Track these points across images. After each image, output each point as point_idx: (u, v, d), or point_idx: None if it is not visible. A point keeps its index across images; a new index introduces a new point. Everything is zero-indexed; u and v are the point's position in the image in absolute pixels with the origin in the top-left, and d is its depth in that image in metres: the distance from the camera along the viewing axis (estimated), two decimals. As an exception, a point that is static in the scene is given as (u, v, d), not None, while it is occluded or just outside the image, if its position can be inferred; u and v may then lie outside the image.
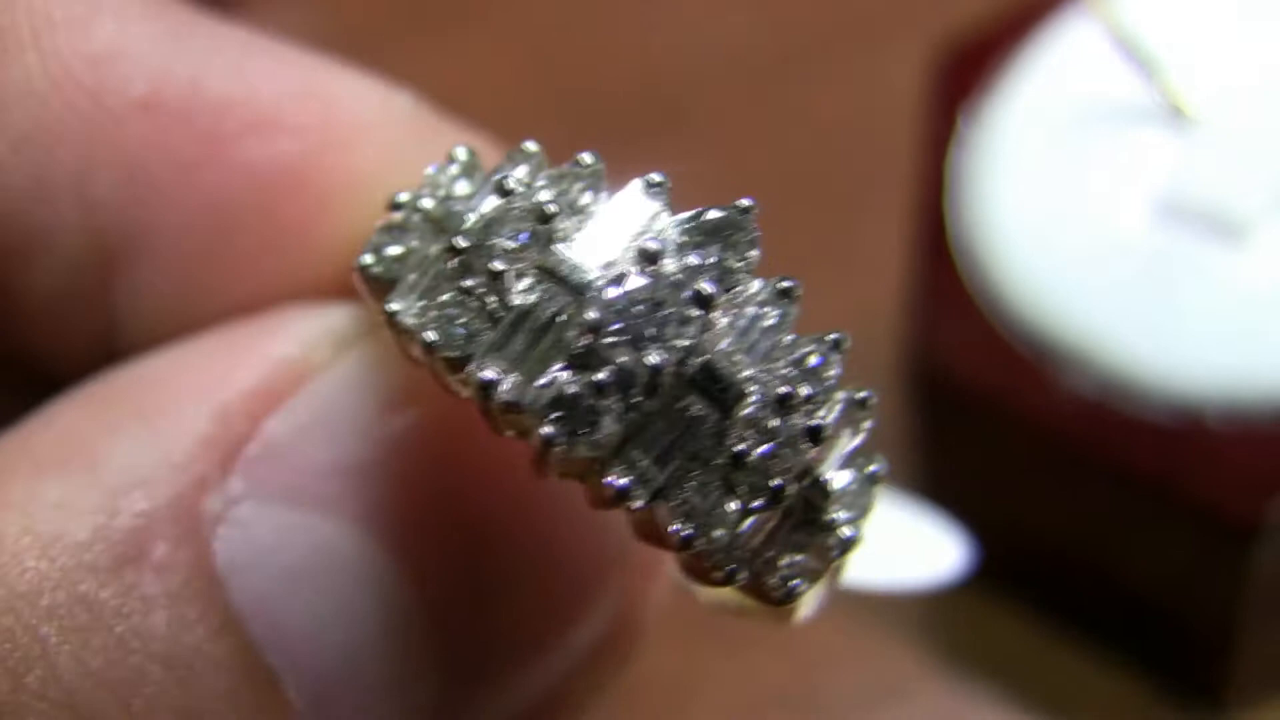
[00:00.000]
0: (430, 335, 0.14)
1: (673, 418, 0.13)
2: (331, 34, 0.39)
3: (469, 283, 0.14)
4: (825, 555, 0.14)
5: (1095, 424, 0.24)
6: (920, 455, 0.28)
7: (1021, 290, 0.25)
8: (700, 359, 0.13)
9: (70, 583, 0.14)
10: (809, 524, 0.14)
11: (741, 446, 0.13)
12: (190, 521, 0.15)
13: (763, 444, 0.13)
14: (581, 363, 0.13)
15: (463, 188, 0.15)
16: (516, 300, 0.14)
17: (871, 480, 0.15)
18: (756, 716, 0.27)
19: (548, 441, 0.13)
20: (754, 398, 0.13)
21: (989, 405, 0.25)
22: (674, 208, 0.14)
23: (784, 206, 0.32)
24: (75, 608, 0.14)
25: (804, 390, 0.14)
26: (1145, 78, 0.26)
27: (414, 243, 0.15)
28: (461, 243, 0.14)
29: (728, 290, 0.14)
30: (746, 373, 0.13)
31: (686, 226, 0.14)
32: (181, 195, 0.16)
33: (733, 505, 0.13)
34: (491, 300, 0.14)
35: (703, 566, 0.14)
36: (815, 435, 0.14)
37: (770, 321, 0.14)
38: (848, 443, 0.15)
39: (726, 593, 0.14)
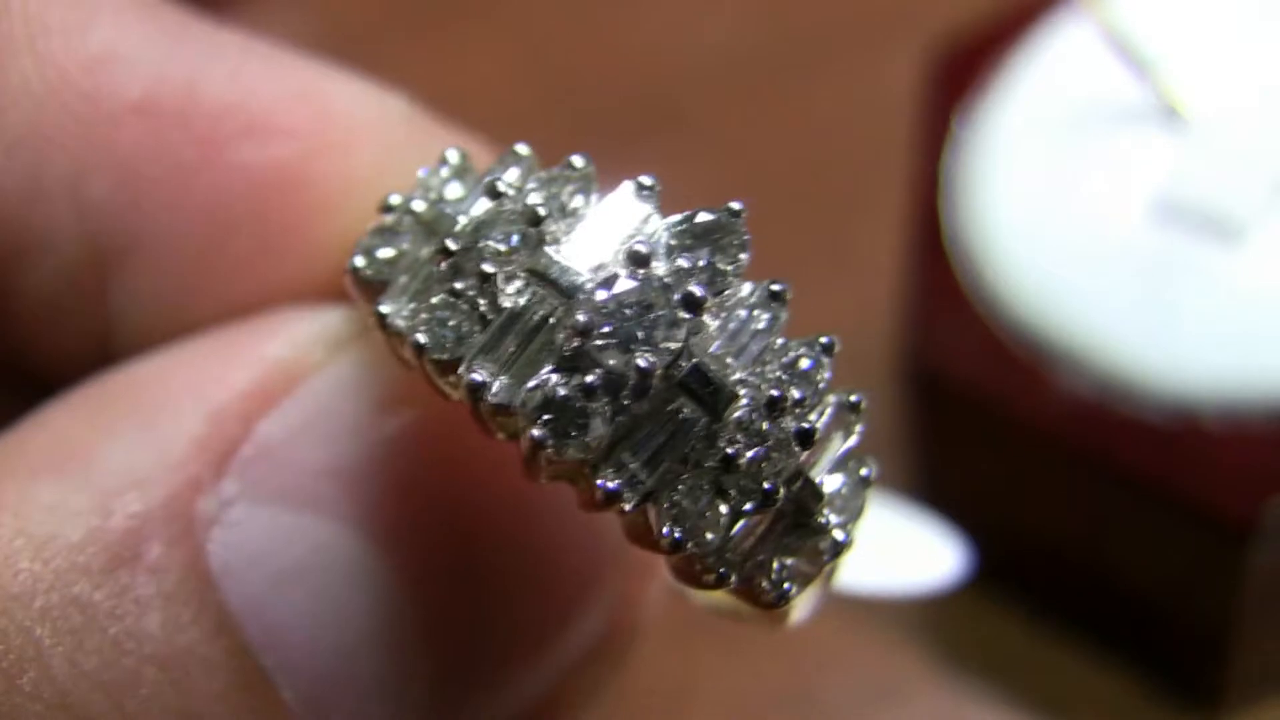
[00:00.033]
0: (420, 337, 0.14)
1: (663, 420, 0.13)
2: (328, 34, 0.39)
3: (459, 285, 0.14)
4: (817, 559, 0.14)
5: (1091, 424, 0.24)
6: (916, 456, 0.28)
7: (1017, 290, 0.25)
8: (690, 362, 0.13)
9: (64, 584, 0.14)
10: (801, 527, 0.14)
11: (732, 449, 0.13)
12: (184, 523, 0.15)
13: (753, 447, 0.13)
14: (571, 365, 0.13)
15: (454, 190, 0.15)
16: (507, 303, 0.14)
17: (864, 483, 0.15)
18: (754, 717, 0.28)
19: (537, 443, 0.13)
20: (744, 401, 0.13)
21: (985, 406, 0.25)
22: (664, 210, 0.14)
23: (780, 207, 0.32)
24: (69, 609, 0.14)
25: (795, 393, 0.14)
26: (1141, 78, 0.26)
27: (405, 245, 0.15)
28: (452, 245, 0.14)
29: (718, 293, 0.14)
30: (737, 376, 0.14)
31: (677, 229, 0.14)
32: (176, 198, 0.16)
33: (723, 508, 0.13)
34: (482, 303, 0.14)
35: (694, 570, 0.14)
36: (806, 438, 0.14)
37: (761, 325, 0.14)
38: (839, 446, 0.15)
39: (719, 596, 0.14)
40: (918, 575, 0.23)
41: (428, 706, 0.16)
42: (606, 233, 0.14)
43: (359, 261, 0.15)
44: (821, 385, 0.14)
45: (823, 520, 0.14)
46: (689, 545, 0.13)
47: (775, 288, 0.14)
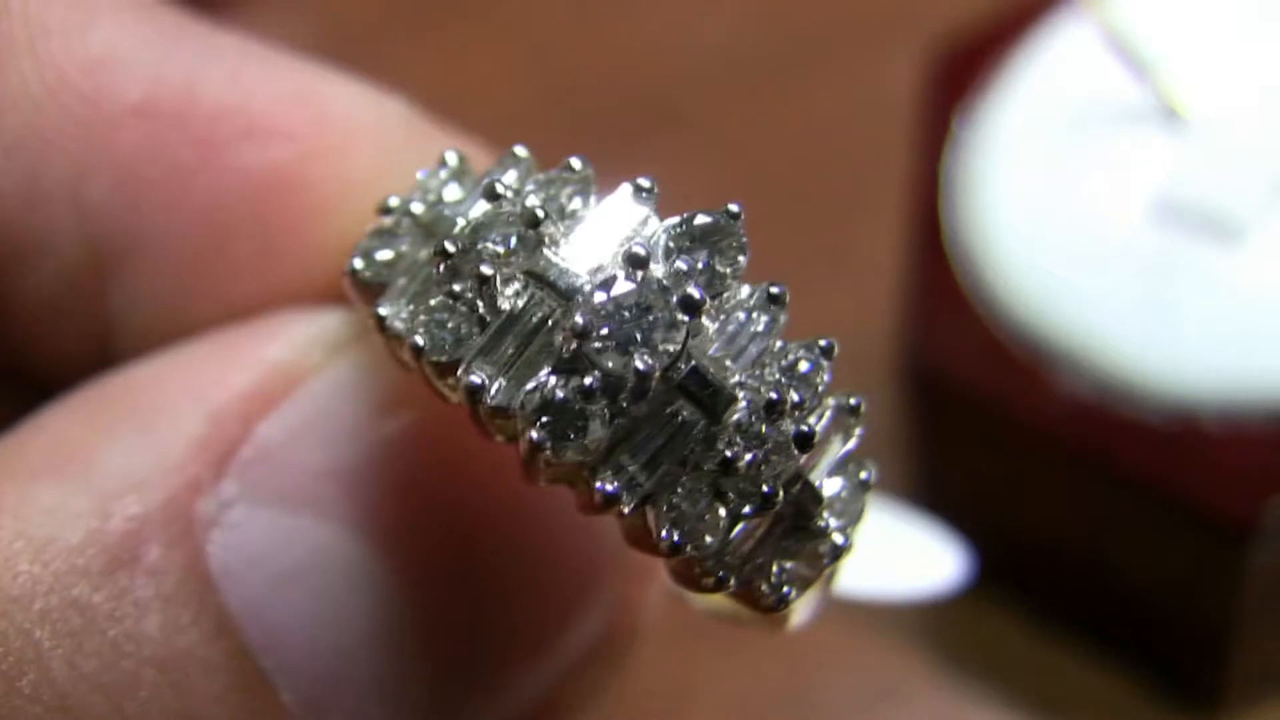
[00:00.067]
0: (419, 340, 0.14)
1: (661, 423, 0.13)
2: (328, 34, 0.39)
3: (458, 287, 0.14)
4: (817, 562, 0.14)
5: (1091, 425, 0.24)
6: (916, 456, 0.28)
7: (1017, 291, 0.25)
8: (688, 364, 0.13)
9: (63, 586, 0.14)
10: (800, 530, 0.14)
11: (731, 452, 0.13)
12: (183, 525, 0.15)
13: (752, 450, 0.13)
14: (569, 367, 0.13)
15: (453, 192, 0.15)
16: (505, 305, 0.14)
17: (863, 486, 0.15)
18: (754, 718, 0.28)
19: (536, 446, 0.13)
20: (743, 403, 0.13)
21: (984, 407, 0.25)
22: (663, 212, 0.14)
23: (780, 207, 0.32)
24: (68, 611, 0.14)
25: (794, 396, 0.14)
26: (1140, 78, 0.26)
27: (404, 247, 0.15)
28: (450, 247, 0.14)
29: (715, 295, 0.14)
30: (735, 378, 0.13)
31: (675, 232, 0.14)
32: (176, 200, 0.16)
33: (722, 511, 0.13)
34: (480, 305, 0.14)
35: (692, 573, 0.14)
36: (805, 441, 0.13)
37: (759, 327, 0.14)
38: (839, 449, 0.15)
39: (718, 600, 0.14)
40: (917, 580, 0.23)
41: (427, 708, 0.16)
42: (605, 235, 0.14)
43: (358, 263, 0.15)
44: (820, 388, 0.14)
45: (822, 524, 0.14)
46: (688, 548, 0.13)
47: (774, 290, 0.14)
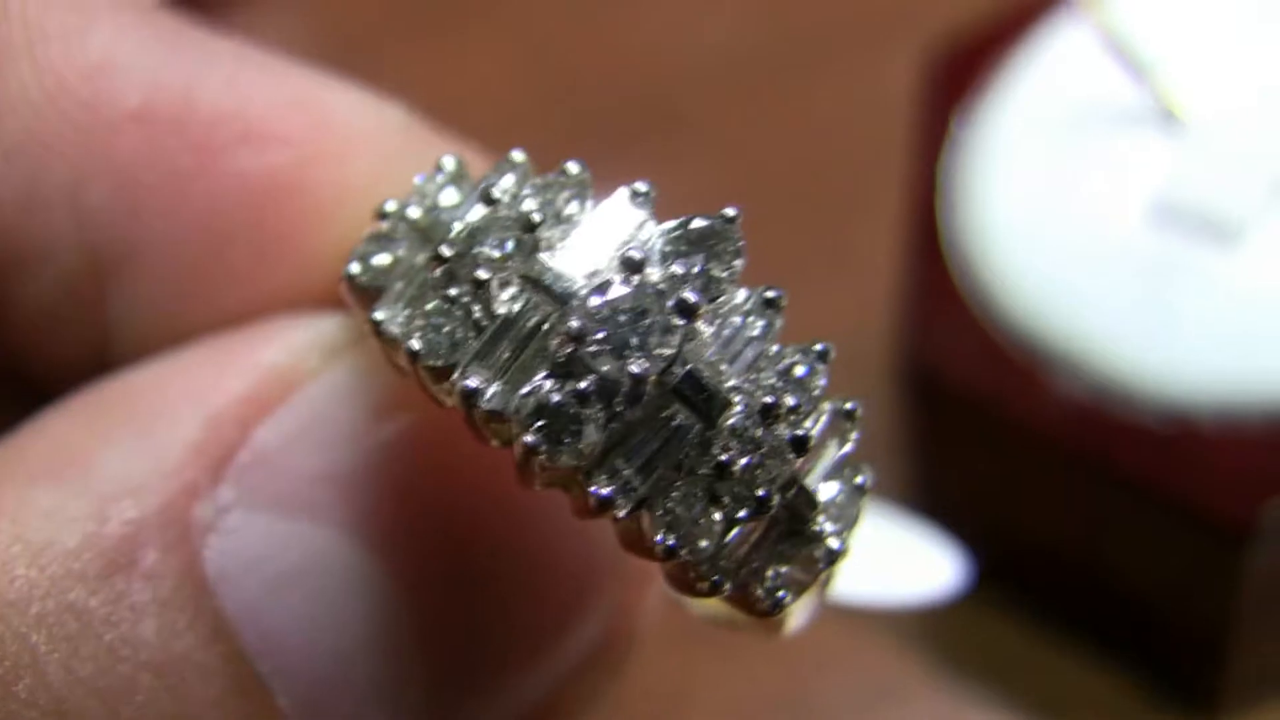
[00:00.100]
0: (414, 344, 0.14)
1: (656, 427, 0.13)
2: (328, 36, 0.39)
3: (454, 291, 0.14)
4: (812, 566, 0.14)
5: (1088, 427, 0.24)
6: (913, 457, 0.28)
7: (1015, 292, 0.25)
8: (684, 368, 0.13)
9: (60, 591, 0.14)
10: (795, 535, 0.14)
11: (726, 456, 0.13)
12: (180, 529, 0.15)
13: (747, 454, 0.13)
14: (564, 371, 0.13)
15: (449, 197, 0.15)
16: (501, 309, 0.14)
17: (859, 491, 0.15)
18: (752, 720, 0.28)
19: (530, 450, 0.13)
20: (738, 407, 0.13)
21: (982, 408, 0.25)
22: (660, 215, 0.14)
23: (779, 207, 0.32)
24: (64, 616, 0.14)
25: (789, 400, 0.14)
26: (1139, 80, 0.26)
27: (401, 252, 0.15)
28: (446, 251, 0.14)
29: (712, 300, 0.14)
30: (731, 382, 0.14)
31: (671, 236, 0.14)
32: (174, 206, 0.16)
33: (717, 515, 0.13)
34: (476, 309, 0.14)
35: (688, 577, 0.14)
36: (800, 445, 0.14)
37: (755, 331, 0.14)
38: (834, 453, 0.15)
39: (714, 604, 0.14)
40: (914, 586, 0.23)
41: (424, 712, 0.16)
42: (601, 239, 0.14)
43: (354, 268, 0.15)
44: (816, 392, 0.14)
45: (817, 528, 0.14)
46: (683, 552, 0.13)
47: (770, 294, 0.14)
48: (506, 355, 0.14)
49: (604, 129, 0.36)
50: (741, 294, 0.14)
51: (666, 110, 0.36)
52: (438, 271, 0.14)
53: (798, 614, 0.15)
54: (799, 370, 0.14)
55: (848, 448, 0.15)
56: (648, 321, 0.13)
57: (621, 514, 0.13)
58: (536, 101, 0.37)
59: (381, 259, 0.15)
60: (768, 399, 0.13)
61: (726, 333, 0.14)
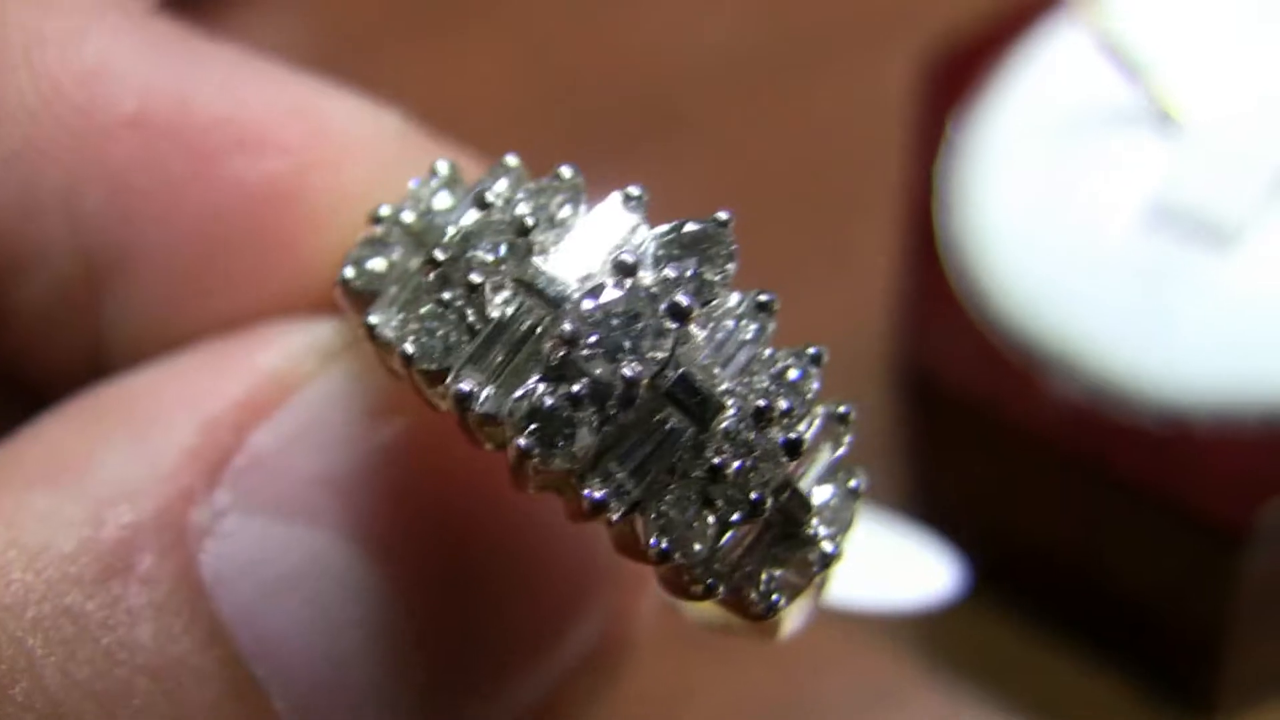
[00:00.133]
0: (408, 348, 0.14)
1: (649, 430, 0.13)
2: (327, 37, 0.39)
3: (447, 295, 0.14)
4: (806, 570, 0.14)
5: (1084, 429, 0.24)
6: (909, 459, 0.28)
7: (1010, 295, 0.25)
8: (677, 371, 0.13)
9: (56, 594, 0.14)
10: (789, 538, 0.14)
11: (719, 459, 0.13)
12: (176, 533, 0.15)
13: (740, 457, 0.13)
14: (558, 375, 0.13)
15: (444, 201, 0.15)
16: (494, 313, 0.14)
17: (853, 494, 0.15)
18: (750, 722, 0.28)
19: (524, 453, 0.13)
20: (731, 411, 0.13)
21: (978, 410, 0.25)
22: (655, 218, 0.14)
23: (778, 207, 0.32)
24: (61, 619, 0.14)
25: (782, 404, 0.14)
26: (1135, 82, 0.26)
27: (395, 256, 0.15)
28: (440, 255, 0.14)
29: (704, 303, 0.14)
30: (724, 386, 0.14)
31: (664, 239, 0.14)
32: (169, 212, 0.16)
33: (711, 519, 0.13)
34: (470, 313, 0.14)
35: (681, 580, 0.14)
36: (794, 449, 0.14)
37: (748, 335, 0.14)
38: (828, 456, 0.15)
39: (708, 608, 0.14)
40: (910, 591, 0.23)
41: (420, 715, 0.16)
42: (594, 243, 0.14)
43: (349, 273, 0.15)
44: (809, 396, 0.14)
45: (811, 531, 0.14)
46: (676, 555, 0.13)
47: (763, 298, 0.14)
48: (500, 359, 0.14)
49: (604, 129, 0.36)
50: (734, 297, 0.14)
51: (666, 111, 0.37)
52: (431, 275, 0.14)
53: (792, 617, 0.15)
54: (792, 374, 0.14)
55: (841, 451, 0.15)
56: (640, 325, 0.13)
57: (615, 517, 0.13)
58: (536, 102, 0.38)
59: (376, 263, 0.15)
60: (761, 402, 0.13)
61: (719, 336, 0.14)
